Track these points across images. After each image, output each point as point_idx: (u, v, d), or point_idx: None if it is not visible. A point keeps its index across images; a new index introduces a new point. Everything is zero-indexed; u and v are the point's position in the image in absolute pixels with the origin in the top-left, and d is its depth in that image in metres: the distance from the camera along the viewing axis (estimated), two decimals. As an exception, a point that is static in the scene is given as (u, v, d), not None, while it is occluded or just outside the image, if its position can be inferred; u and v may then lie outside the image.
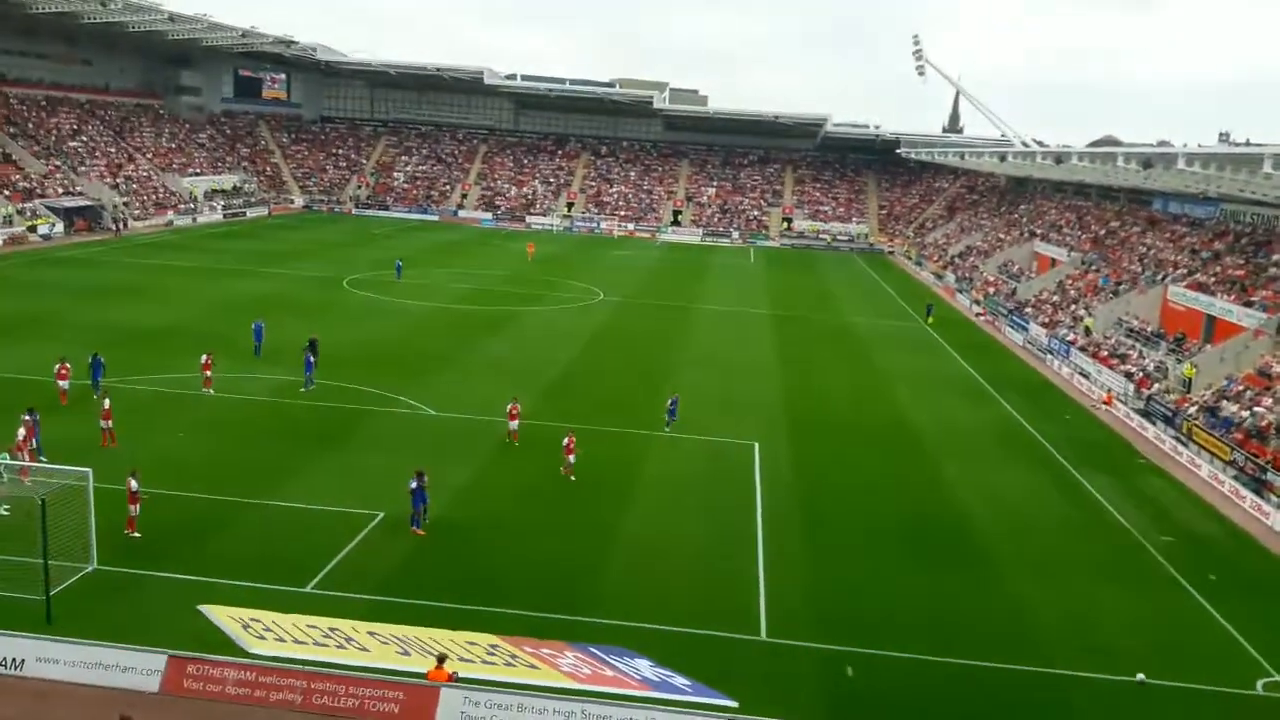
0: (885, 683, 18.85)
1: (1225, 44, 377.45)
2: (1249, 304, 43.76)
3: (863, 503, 28.17)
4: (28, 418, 25.90)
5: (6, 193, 71.25)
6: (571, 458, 27.97)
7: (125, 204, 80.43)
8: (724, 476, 29.55)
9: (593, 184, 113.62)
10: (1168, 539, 27.00)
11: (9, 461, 24.24)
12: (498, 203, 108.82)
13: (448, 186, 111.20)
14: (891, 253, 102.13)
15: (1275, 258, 47.90)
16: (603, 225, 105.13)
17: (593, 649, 19.36)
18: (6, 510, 21.96)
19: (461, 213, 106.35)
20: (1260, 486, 30.58)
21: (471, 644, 19.08)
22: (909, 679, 19.03)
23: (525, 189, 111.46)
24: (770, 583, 22.52)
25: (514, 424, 30.75)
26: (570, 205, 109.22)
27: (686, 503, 27.21)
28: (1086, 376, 46.27)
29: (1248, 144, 76.75)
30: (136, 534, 22.21)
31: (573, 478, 27.82)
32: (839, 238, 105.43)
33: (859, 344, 52.08)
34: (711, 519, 26.14)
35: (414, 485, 23.86)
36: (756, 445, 32.54)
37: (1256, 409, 35.08)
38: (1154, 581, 24.32)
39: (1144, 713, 18.47)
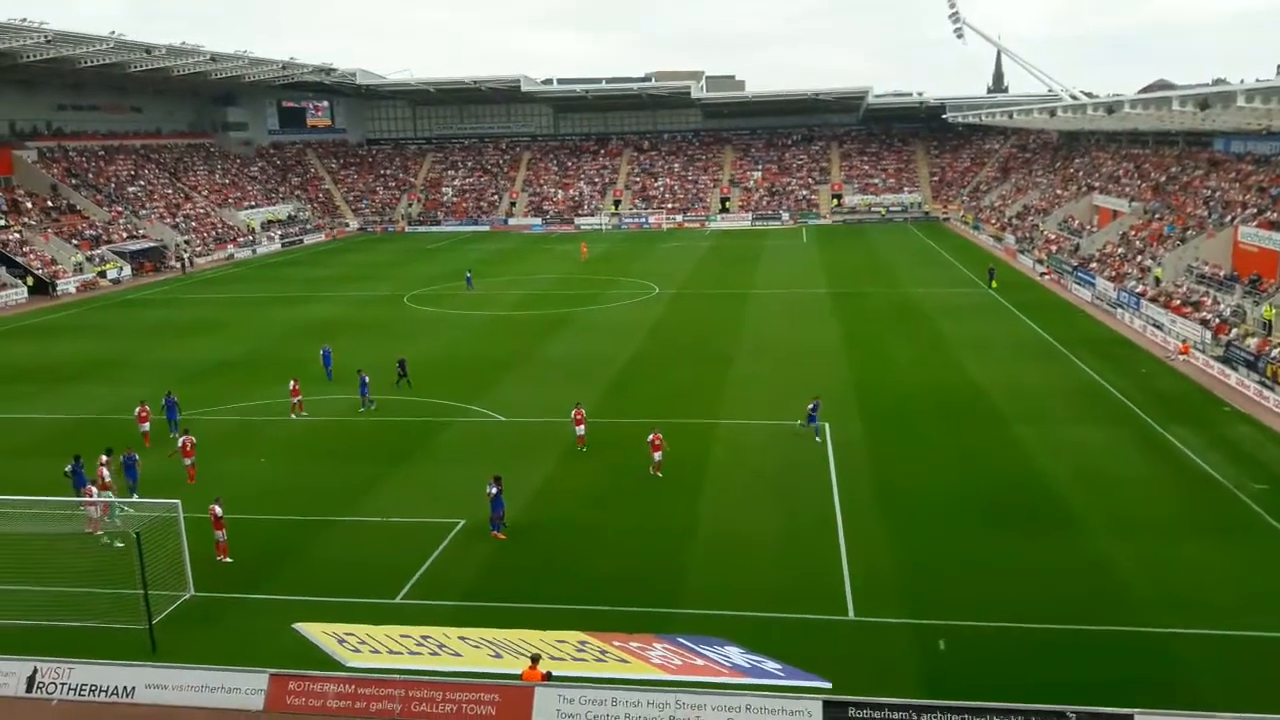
0: (978, 653, 18.61)
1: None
2: (1326, 238, 42.20)
3: (940, 474, 27.79)
4: (105, 458, 26.62)
5: (75, 242, 73.74)
6: (658, 455, 27.85)
7: (187, 242, 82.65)
8: (796, 460, 29.38)
9: (637, 179, 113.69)
10: (1261, 487, 26.16)
11: (112, 499, 25.06)
12: (545, 207, 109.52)
13: (495, 196, 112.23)
14: (947, 219, 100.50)
15: (1350, 187, 46.11)
16: (651, 220, 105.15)
17: (681, 639, 19.41)
18: (121, 544, 22.67)
19: (511, 221, 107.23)
20: (1355, 425, 29.49)
21: (561, 642, 19.27)
22: (1002, 648, 18.76)
23: (571, 191, 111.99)
24: (853, 562, 22.36)
25: (580, 429, 30.53)
26: (617, 203, 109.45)
27: (761, 489, 27.13)
28: (1160, 328, 45.04)
29: (1310, 73, 73.91)
30: (228, 559, 22.85)
31: (660, 475, 27.71)
32: (892, 209, 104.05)
33: (922, 315, 51.35)
34: (788, 502, 26.03)
35: (493, 491, 24.15)
36: (827, 426, 32.26)
37: (1344, 345, 33.83)
38: (1250, 531, 23.60)
39: (1248, 666, 17.95)
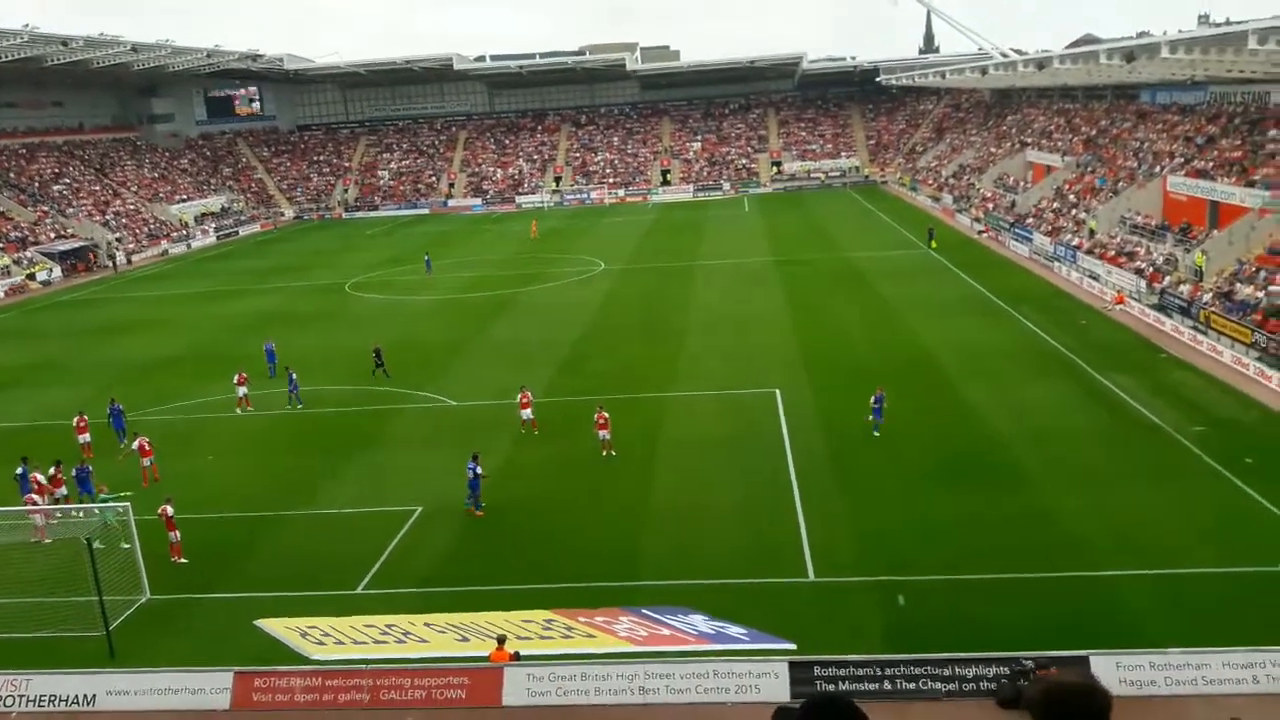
0: (937, 607, 19.06)
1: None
2: (1250, 184, 43.37)
3: (892, 435, 28.22)
4: (54, 471, 25.99)
5: (1, 245, 71.38)
6: (605, 433, 27.71)
7: (119, 240, 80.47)
8: (749, 428, 29.64)
9: (577, 155, 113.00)
10: (1200, 429, 27.03)
11: (55, 506, 24.49)
12: (485, 187, 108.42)
13: (433, 178, 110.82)
14: (885, 182, 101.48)
15: (1271, 134, 47.38)
16: (593, 195, 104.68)
17: (646, 611, 19.58)
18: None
19: (451, 202, 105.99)
20: (1284, 364, 30.54)
21: (527, 622, 19.33)
22: (960, 600, 19.24)
23: (511, 169, 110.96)
24: (811, 525, 22.67)
25: (526, 413, 30.11)
26: (558, 179, 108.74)
27: (716, 459, 27.34)
28: (1096, 279, 46.08)
29: (1228, 23, 75.73)
30: (183, 560, 22.49)
31: (613, 453, 27.61)
32: (831, 174, 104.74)
33: (866, 278, 51.93)
34: (744, 471, 26.28)
35: (472, 468, 24.26)
36: (778, 393, 32.59)
37: (1272, 288, 34.93)
38: (1191, 473, 24.39)
39: (1196, 602, 18.61)
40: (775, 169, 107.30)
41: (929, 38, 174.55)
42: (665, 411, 31.74)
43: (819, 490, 24.66)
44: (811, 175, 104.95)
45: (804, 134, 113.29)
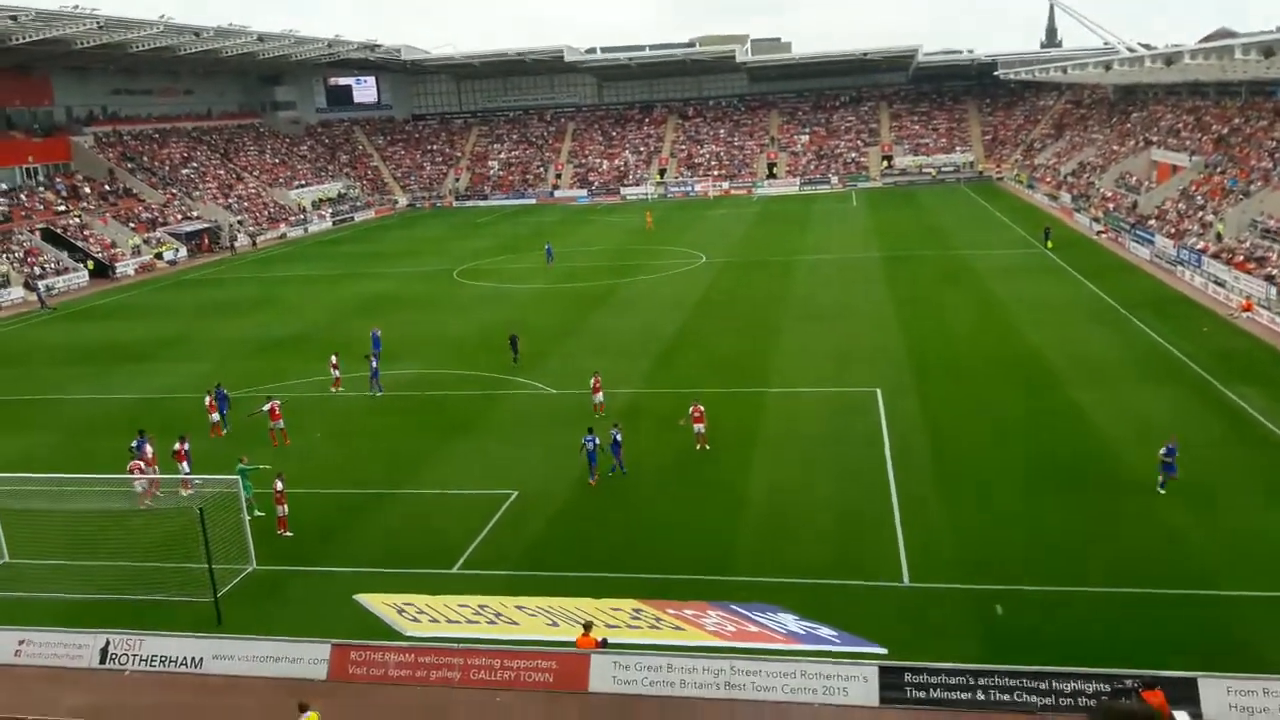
0: (1036, 618, 18.42)
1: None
2: (1401, 187, 40.57)
3: (996, 439, 27.42)
4: (149, 444, 27.09)
5: (132, 225, 75.29)
6: (700, 427, 27.64)
7: (239, 222, 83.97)
8: (849, 427, 29.14)
9: (683, 147, 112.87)
10: (1331, 446, 25.44)
11: (185, 476, 25.79)
12: (591, 178, 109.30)
13: (541, 169, 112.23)
14: (1000, 178, 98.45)
15: None
16: (697, 187, 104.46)
17: (735, 606, 19.45)
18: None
19: (557, 193, 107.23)
20: None
21: (616, 610, 19.41)
22: (1061, 611, 18.55)
23: (616, 161, 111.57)
24: (908, 528, 22.18)
25: (598, 396, 30.95)
26: (663, 171, 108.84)
27: (813, 456, 26.98)
28: (1222, 285, 43.78)
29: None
30: (289, 533, 23.35)
31: (707, 447, 27.57)
32: (944, 170, 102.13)
33: (976, 276, 50.49)
34: (841, 470, 25.87)
35: (588, 443, 25.47)
36: (879, 392, 31.96)
37: None
38: (1319, 492, 22.99)
39: (1322, 629, 17.55)
40: (885, 163, 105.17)
41: (1051, 31, 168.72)
42: (762, 407, 31.47)
43: (918, 493, 24.09)
44: (923, 170, 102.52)
45: (917, 128, 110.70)
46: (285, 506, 23.44)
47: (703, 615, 19.56)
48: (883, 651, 17.32)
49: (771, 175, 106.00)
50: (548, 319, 46.05)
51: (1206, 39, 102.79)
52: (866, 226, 72.07)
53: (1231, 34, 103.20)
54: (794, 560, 21.11)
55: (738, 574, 20.76)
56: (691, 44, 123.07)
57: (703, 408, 27.98)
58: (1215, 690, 15.56)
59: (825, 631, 18.57)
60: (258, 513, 23.55)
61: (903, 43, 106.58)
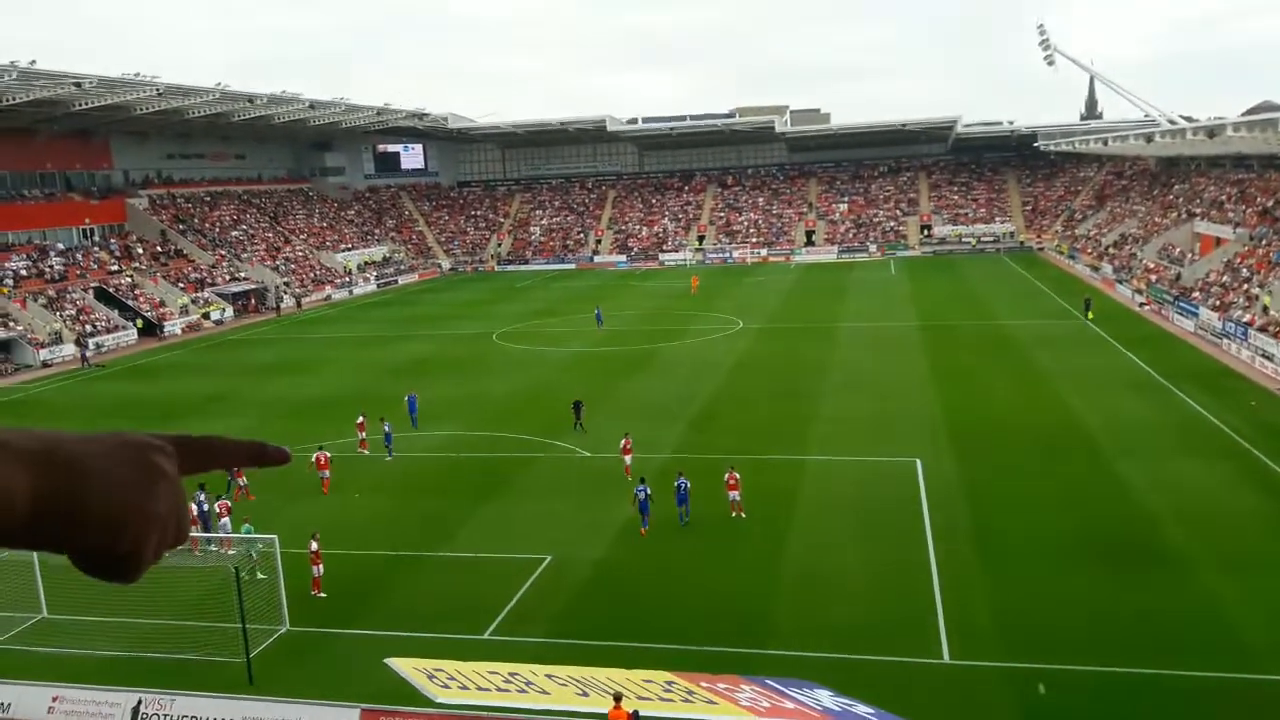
0: (1079, 697, 17.87)
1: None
2: None
3: (1038, 512, 26.89)
4: (201, 496, 27.55)
5: (181, 285, 77.10)
6: (736, 494, 27.45)
7: (286, 284, 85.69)
8: (887, 497, 28.77)
9: (721, 214, 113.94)
10: (1387, 526, 24.67)
11: (227, 535, 26.02)
12: (630, 244, 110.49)
13: (581, 234, 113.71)
14: (1041, 249, 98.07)
15: None
16: (735, 254, 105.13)
17: (770, 681, 19.07)
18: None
19: (597, 258, 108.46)
20: None
21: (648, 681, 19.13)
22: (1104, 692, 17.98)
23: (655, 227, 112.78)
24: (948, 602, 21.72)
25: (628, 459, 30.90)
26: (701, 238, 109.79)
27: (850, 527, 26.62)
28: (1270, 358, 42.97)
29: None
30: (322, 594, 23.37)
31: (743, 515, 27.34)
32: (983, 239, 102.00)
33: (1016, 347, 50.05)
34: (878, 541, 25.47)
35: (640, 493, 26.62)
36: (919, 462, 31.58)
37: None
38: (1375, 574, 22.24)
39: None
40: (925, 232, 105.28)
41: (1091, 103, 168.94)
42: (799, 475, 31.19)
43: (959, 566, 23.62)
44: (963, 240, 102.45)
45: (956, 198, 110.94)
46: (320, 567, 23.48)
47: (736, 689, 19.20)
48: (921, 730, 16.91)
49: (810, 243, 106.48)
50: (584, 382, 46.09)
51: (1250, 111, 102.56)
52: (905, 295, 71.93)
53: (1275, 107, 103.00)
54: (830, 633, 20.70)
55: (772, 647, 20.38)
56: (731, 114, 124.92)
57: (738, 474, 27.77)
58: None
59: (862, 709, 18.13)
60: (260, 576, 23.56)
61: (942, 113, 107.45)
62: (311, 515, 28.30)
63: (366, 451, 35.32)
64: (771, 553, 25.08)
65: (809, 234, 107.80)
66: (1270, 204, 64.21)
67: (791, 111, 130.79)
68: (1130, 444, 32.49)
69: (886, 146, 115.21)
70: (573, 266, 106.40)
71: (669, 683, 19.30)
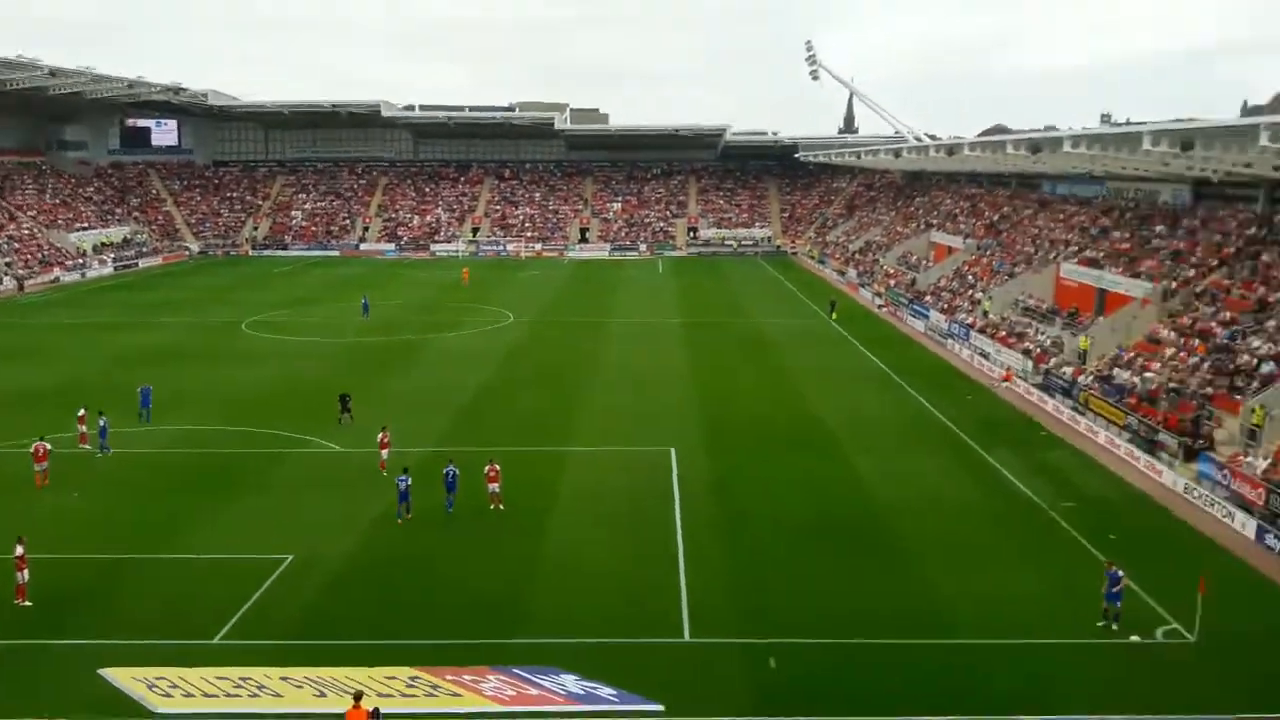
0: (807, 669, 19.04)
1: (1106, 28, 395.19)
2: (1136, 275, 45.63)
3: (779, 499, 28.47)
4: None
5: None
6: (495, 486, 27.39)
7: (8, 264, 77.31)
8: (642, 486, 29.58)
9: (497, 208, 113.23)
10: (1070, 505, 27.90)
11: None
12: (400, 233, 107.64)
13: (348, 221, 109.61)
14: (795, 253, 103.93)
15: (1158, 229, 50.05)
16: (509, 248, 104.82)
17: (516, 670, 19.18)
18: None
19: (364, 246, 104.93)
20: (1152, 447, 31.85)
21: (391, 678, 18.74)
22: (829, 663, 19.26)
23: (428, 217, 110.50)
24: (691, 585, 22.59)
25: (384, 453, 30.31)
26: (475, 230, 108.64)
27: (606, 515, 27.15)
28: (986, 357, 47.63)
29: (1128, 123, 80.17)
30: (27, 602, 21.24)
31: (501, 507, 27.29)
32: (744, 243, 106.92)
33: (768, 345, 52.78)
34: (631, 529, 26.14)
35: (401, 482, 26.49)
36: (673, 451, 32.68)
37: (1146, 374, 36.54)
38: (1058, 547, 25.10)
39: (1054, 672, 18.98)
40: (692, 234, 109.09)
41: (849, 118, 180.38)
42: (560, 466, 31.49)
43: (704, 550, 24.63)
44: (725, 242, 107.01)
45: (722, 202, 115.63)
46: (25, 573, 21.30)
47: (482, 680, 19.17)
48: (660, 709, 17.51)
49: (584, 240, 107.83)
50: (343, 374, 44.47)
51: (984, 133, 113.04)
52: (671, 293, 74.27)
53: (1006, 130, 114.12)
54: (582, 620, 21.02)
55: (525, 635, 20.45)
56: (512, 108, 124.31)
57: (498, 466, 27.69)
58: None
59: (605, 691, 18.59)
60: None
61: (713, 121, 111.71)
62: (24, 517, 25.68)
63: (87, 447, 32.46)
64: (530, 543, 25.17)
65: (583, 231, 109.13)
66: (996, 218, 71.14)
67: (571, 110, 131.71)
68: (865, 436, 35.03)
69: (660, 150, 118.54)
70: (337, 254, 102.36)
71: (413, 678, 18.98)
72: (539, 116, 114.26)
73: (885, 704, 17.32)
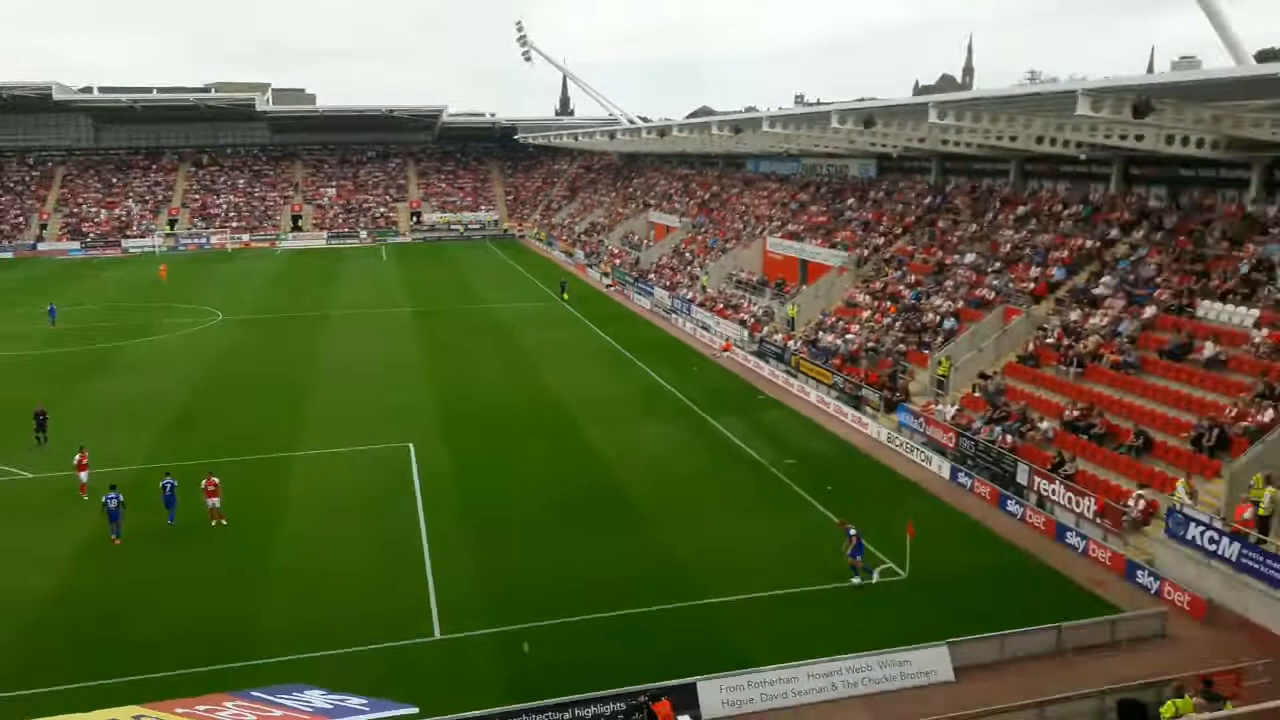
0: (560, 650, 19.36)
1: (800, 12, 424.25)
2: (833, 245, 49.58)
3: (522, 484, 28.63)
4: None
5: None
6: (215, 500, 25.64)
7: None
8: (381, 484, 28.74)
9: (196, 197, 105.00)
10: (791, 462, 30.10)
11: None
12: (85, 229, 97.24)
13: (20, 218, 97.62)
14: (523, 236, 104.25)
15: (849, 202, 54.62)
16: (213, 239, 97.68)
17: (256, 693, 18.01)
18: None
19: (42, 245, 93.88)
20: (858, 402, 34.95)
21: (111, 721, 17.11)
22: (581, 640, 19.72)
23: (117, 211, 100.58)
24: (439, 581, 22.28)
25: (83, 475, 27.57)
26: (173, 222, 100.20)
27: (344, 520, 26.12)
28: (707, 329, 50.20)
29: (818, 103, 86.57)
30: None
31: (224, 522, 25.59)
32: (471, 227, 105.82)
33: (502, 329, 52.73)
34: (373, 530, 25.34)
35: (110, 500, 24.45)
36: (411, 446, 31.96)
37: (847, 336, 39.93)
38: (783, 502, 27.07)
39: (787, 620, 20.46)
40: (415, 219, 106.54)
41: (565, 100, 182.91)
42: (288, 472, 29.90)
43: (449, 545, 24.33)
44: (451, 227, 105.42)
45: (444, 185, 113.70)
46: None
47: (218, 709, 17.83)
48: (414, 711, 17.06)
49: (297, 228, 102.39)
50: (29, 390, 39.68)
51: (692, 115, 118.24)
52: (397, 281, 72.31)
53: (711, 112, 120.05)
54: (324, 631, 20.14)
55: (261, 656, 19.30)
56: (207, 89, 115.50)
57: (217, 479, 25.89)
58: (711, 691, 17.48)
59: (354, 701, 17.87)
60: None
61: (428, 102, 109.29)
62: None
63: None
64: (259, 557, 23.77)
65: (296, 219, 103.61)
66: (707, 196, 74.75)
67: (274, 90, 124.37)
68: (601, 412, 35.91)
69: (375, 132, 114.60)
70: (10, 255, 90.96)
71: (137, 717, 17.41)
72: (237, 98, 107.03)
73: (642, 672, 17.89)
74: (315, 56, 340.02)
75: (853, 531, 22.27)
